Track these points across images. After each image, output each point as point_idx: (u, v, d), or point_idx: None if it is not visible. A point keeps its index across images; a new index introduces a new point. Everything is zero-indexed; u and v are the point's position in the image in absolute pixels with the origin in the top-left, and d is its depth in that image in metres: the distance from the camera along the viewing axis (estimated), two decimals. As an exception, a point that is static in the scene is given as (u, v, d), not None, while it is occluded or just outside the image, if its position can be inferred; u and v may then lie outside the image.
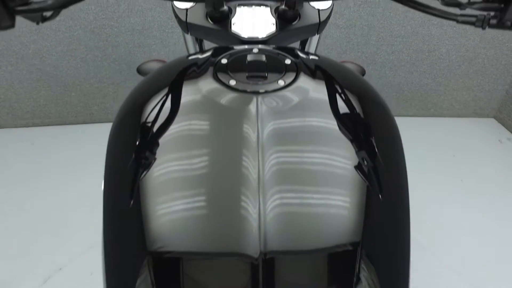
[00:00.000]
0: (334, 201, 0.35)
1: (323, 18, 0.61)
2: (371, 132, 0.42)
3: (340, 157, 0.38)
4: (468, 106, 1.93)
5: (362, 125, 0.43)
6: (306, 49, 0.74)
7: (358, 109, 0.44)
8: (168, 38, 1.61)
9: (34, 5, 0.36)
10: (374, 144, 0.41)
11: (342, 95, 0.45)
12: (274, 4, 0.61)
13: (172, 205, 0.35)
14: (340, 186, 0.36)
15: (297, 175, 0.36)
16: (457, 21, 0.41)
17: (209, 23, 0.59)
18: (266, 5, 0.61)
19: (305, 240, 0.33)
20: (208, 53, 0.50)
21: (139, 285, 0.33)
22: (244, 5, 0.60)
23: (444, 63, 1.77)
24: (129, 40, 1.61)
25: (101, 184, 0.43)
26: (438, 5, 0.42)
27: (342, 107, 0.43)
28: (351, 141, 0.39)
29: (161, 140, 0.39)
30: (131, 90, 0.50)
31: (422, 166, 1.59)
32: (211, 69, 0.45)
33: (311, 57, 0.51)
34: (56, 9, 0.39)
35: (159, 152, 0.38)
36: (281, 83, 0.43)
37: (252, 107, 0.39)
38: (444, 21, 1.65)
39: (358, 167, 0.38)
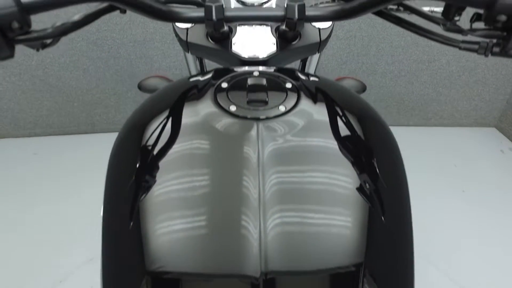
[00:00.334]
0: (336, 222, 0.35)
1: (324, 37, 0.61)
2: (372, 154, 0.42)
3: (341, 179, 0.38)
4: (469, 115, 1.93)
5: (364, 148, 0.43)
6: (306, 67, 0.75)
7: (359, 131, 0.44)
8: (169, 50, 1.63)
9: (34, 33, 0.36)
10: (376, 166, 0.41)
11: (343, 118, 0.45)
12: (275, 24, 0.61)
13: (172, 225, 0.35)
14: (342, 208, 0.36)
15: (298, 195, 0.36)
16: (460, 48, 0.41)
17: (210, 43, 0.60)
18: (267, 25, 0.61)
19: (307, 260, 0.33)
20: (209, 75, 0.50)
21: None
22: (244, 24, 0.61)
23: (444, 73, 1.77)
24: (131, 51, 1.62)
25: (101, 206, 0.43)
26: (440, 31, 0.42)
27: (344, 130, 0.43)
28: (353, 163, 0.39)
29: (161, 163, 0.39)
30: (132, 111, 0.50)
31: (424, 176, 1.59)
32: (211, 93, 0.45)
33: (311, 78, 0.51)
34: (56, 37, 0.39)
35: (159, 174, 0.38)
36: (282, 108, 0.42)
37: (253, 134, 0.39)
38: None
39: (360, 190, 0.38)
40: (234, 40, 0.59)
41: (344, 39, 1.64)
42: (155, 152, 0.41)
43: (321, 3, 0.59)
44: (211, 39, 0.60)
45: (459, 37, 0.41)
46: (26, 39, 0.35)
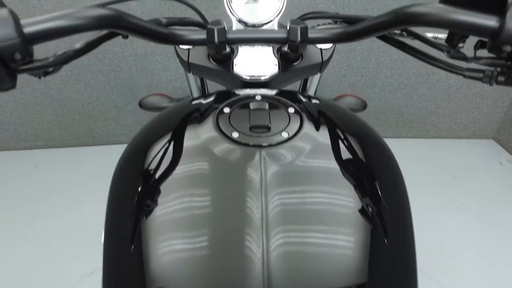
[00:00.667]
0: (339, 243, 0.35)
1: (325, 57, 0.61)
2: (374, 176, 0.43)
3: (344, 202, 0.38)
4: (468, 127, 1.94)
5: (366, 171, 0.43)
6: (308, 86, 0.75)
7: (361, 155, 0.44)
8: (170, 63, 1.64)
9: (36, 63, 0.36)
10: (378, 188, 0.41)
11: (345, 142, 0.45)
12: (277, 44, 0.61)
13: (174, 248, 0.35)
14: (345, 229, 0.36)
15: (301, 218, 0.36)
16: (464, 76, 0.40)
17: (211, 64, 0.60)
18: (269, 45, 0.61)
19: (310, 281, 0.33)
20: (211, 98, 0.50)
21: None
22: (246, 45, 0.61)
23: (443, 86, 1.79)
24: (132, 65, 1.63)
25: (101, 223, 0.43)
26: (444, 58, 0.42)
27: (346, 154, 0.43)
28: (355, 187, 0.39)
29: (164, 187, 0.39)
30: (134, 135, 0.50)
31: (422, 188, 1.58)
32: (213, 118, 0.45)
33: (313, 101, 0.51)
34: (58, 66, 0.39)
35: (161, 198, 0.38)
36: (284, 135, 0.42)
37: (256, 161, 0.39)
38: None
39: (363, 212, 0.38)
40: (235, 61, 0.59)
41: (343, 52, 1.65)
42: (157, 176, 0.41)
43: (323, 24, 0.60)
44: (212, 60, 0.60)
45: (463, 64, 0.41)
46: (28, 68, 0.35)
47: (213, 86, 0.72)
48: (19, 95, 1.66)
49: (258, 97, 0.49)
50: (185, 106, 0.52)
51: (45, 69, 0.38)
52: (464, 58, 0.39)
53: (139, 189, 0.40)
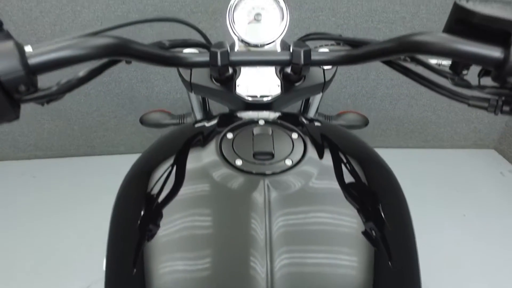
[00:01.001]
0: (343, 265, 0.35)
1: (328, 77, 0.61)
2: (378, 200, 0.43)
3: (348, 225, 0.38)
4: (468, 137, 1.94)
5: (369, 195, 0.43)
6: (310, 103, 0.75)
7: (364, 179, 0.44)
8: (171, 75, 1.64)
9: (40, 92, 0.35)
10: (382, 212, 0.41)
11: (348, 166, 0.45)
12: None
13: (176, 271, 0.35)
14: (349, 252, 0.36)
15: (306, 242, 0.36)
16: (468, 105, 0.40)
17: (214, 84, 0.60)
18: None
19: None
20: (214, 121, 0.50)
21: None
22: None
23: (443, 97, 1.78)
24: (132, 75, 1.63)
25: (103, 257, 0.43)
26: (448, 85, 0.41)
27: (349, 178, 0.43)
28: (359, 211, 0.39)
29: (165, 212, 0.39)
30: (137, 158, 0.50)
31: (423, 199, 1.58)
32: (217, 144, 0.45)
33: (315, 124, 0.51)
34: (61, 94, 0.38)
35: (163, 223, 0.38)
36: (288, 162, 0.42)
37: (259, 190, 0.39)
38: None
39: (367, 235, 0.38)
40: (238, 81, 0.59)
41: (343, 63, 1.65)
42: (160, 200, 0.40)
43: (326, 45, 0.60)
44: (215, 80, 0.60)
45: (468, 91, 0.40)
46: (32, 98, 0.35)
47: (216, 103, 0.72)
48: (19, 106, 1.65)
49: (261, 122, 0.49)
50: (188, 129, 0.51)
51: (49, 98, 0.38)
52: (468, 86, 0.39)
53: (142, 212, 0.40)
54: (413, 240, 0.42)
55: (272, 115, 0.51)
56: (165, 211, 0.39)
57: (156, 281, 0.35)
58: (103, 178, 1.67)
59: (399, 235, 0.41)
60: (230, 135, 0.46)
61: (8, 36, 0.38)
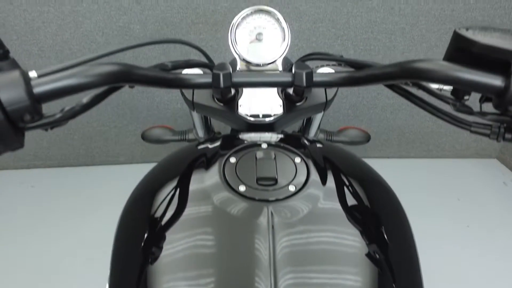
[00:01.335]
0: (347, 285, 0.35)
1: (329, 97, 0.61)
2: (380, 222, 0.43)
3: (351, 248, 0.38)
4: (470, 147, 1.93)
5: (372, 217, 0.43)
6: (311, 120, 0.75)
7: (366, 201, 0.44)
8: (172, 85, 1.64)
9: (44, 119, 0.35)
10: (384, 234, 0.41)
11: (350, 188, 0.45)
12: None
13: None
14: (353, 273, 0.36)
15: (310, 264, 0.36)
16: (471, 131, 0.40)
17: (216, 104, 0.59)
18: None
19: None
20: (217, 143, 0.50)
21: None
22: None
23: (445, 106, 1.78)
24: (133, 85, 1.63)
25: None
26: (450, 110, 0.41)
27: (351, 201, 0.43)
28: (362, 232, 0.40)
29: (168, 236, 0.39)
30: (140, 180, 0.50)
31: (426, 210, 1.57)
32: (220, 168, 0.45)
33: (317, 145, 0.52)
34: (65, 121, 0.39)
35: (166, 246, 0.38)
36: (291, 188, 0.42)
37: (263, 217, 0.39)
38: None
39: (370, 257, 0.38)
40: (240, 101, 0.59)
41: (344, 74, 1.65)
42: (164, 224, 0.41)
43: (327, 64, 0.59)
44: (217, 100, 0.60)
45: (470, 117, 0.40)
46: (36, 126, 0.35)
47: (218, 121, 0.71)
48: (19, 116, 1.65)
49: (264, 145, 0.48)
50: (191, 151, 0.52)
51: (52, 125, 0.38)
52: (470, 112, 0.38)
53: (146, 235, 0.40)
54: (417, 260, 0.43)
55: (274, 137, 0.51)
56: (169, 234, 0.39)
57: None
58: (102, 188, 1.67)
59: (402, 255, 0.42)
60: (233, 159, 0.46)
61: (14, 64, 0.38)
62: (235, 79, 0.46)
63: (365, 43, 1.57)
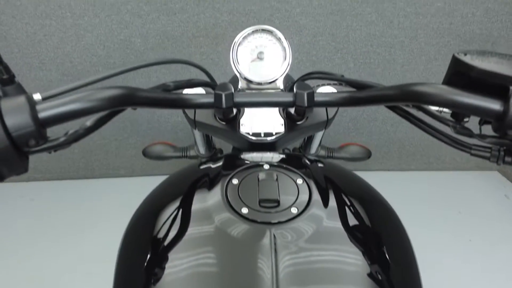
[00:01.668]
0: None
1: (330, 115, 0.62)
2: (382, 242, 0.44)
3: (354, 269, 0.38)
4: (471, 159, 1.92)
5: (374, 237, 0.44)
6: (312, 138, 0.75)
7: (368, 221, 0.45)
8: (172, 97, 1.64)
9: (48, 143, 0.36)
10: (387, 255, 0.41)
11: (351, 208, 0.46)
12: None
13: None
14: None
15: (313, 285, 0.36)
16: (471, 154, 0.40)
17: (217, 123, 0.60)
18: None
19: None
20: (219, 163, 0.51)
21: None
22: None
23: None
24: (134, 98, 1.63)
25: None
26: (450, 132, 0.42)
27: (353, 221, 0.44)
28: (364, 253, 0.40)
29: (171, 257, 0.39)
30: (143, 199, 0.50)
31: (427, 223, 1.55)
32: (222, 190, 0.45)
33: (319, 165, 0.52)
34: (69, 144, 0.39)
35: (169, 267, 0.38)
36: (294, 211, 0.42)
37: (266, 240, 0.39)
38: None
39: (373, 277, 0.38)
40: (242, 120, 0.59)
41: (344, 86, 1.66)
42: (166, 245, 0.41)
43: (328, 83, 0.60)
44: (219, 119, 0.60)
45: (470, 139, 0.40)
46: (40, 149, 0.35)
47: (218, 140, 0.71)
48: (19, 128, 1.65)
49: (266, 166, 0.48)
50: (194, 171, 0.52)
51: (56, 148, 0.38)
52: (470, 135, 0.39)
53: (148, 256, 0.41)
54: (419, 280, 0.43)
55: (276, 157, 0.51)
56: (172, 256, 0.39)
57: None
58: (103, 202, 1.65)
59: (404, 275, 0.42)
60: (235, 181, 0.46)
61: (19, 88, 0.39)
62: (237, 99, 0.47)
63: (365, 56, 1.58)
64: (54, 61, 1.52)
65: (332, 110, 0.62)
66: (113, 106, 0.37)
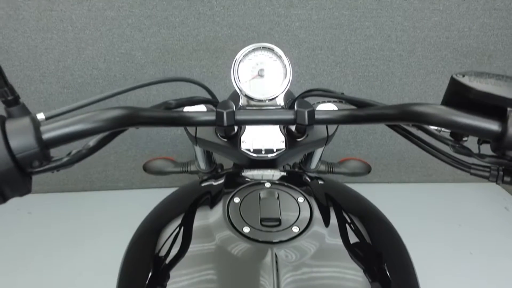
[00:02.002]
0: None
1: (331, 132, 0.62)
2: (383, 260, 0.44)
3: (356, 285, 0.39)
4: (470, 171, 1.93)
5: (375, 255, 0.44)
6: (312, 154, 0.75)
7: (369, 239, 0.45)
8: (172, 110, 1.64)
9: (51, 164, 0.36)
10: (387, 272, 0.42)
11: (352, 226, 0.46)
12: None
13: None
14: None
15: None
16: (470, 173, 0.40)
17: (219, 140, 0.60)
18: None
19: None
20: (221, 181, 0.51)
21: None
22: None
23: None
24: (134, 111, 1.63)
25: None
26: (449, 151, 0.42)
27: (354, 239, 0.44)
28: (365, 271, 0.40)
29: (173, 275, 0.39)
30: (144, 217, 0.50)
31: (427, 236, 1.55)
32: (224, 209, 0.45)
33: (319, 182, 0.52)
34: (71, 164, 0.39)
35: (170, 285, 0.38)
36: (295, 229, 0.42)
37: (267, 259, 0.39)
38: (442, 91, 1.70)
39: None
40: (243, 138, 0.59)
41: (343, 99, 1.67)
42: (168, 264, 0.41)
43: (328, 101, 0.60)
44: (220, 136, 0.60)
45: (469, 158, 0.40)
46: (43, 170, 0.35)
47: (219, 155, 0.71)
48: (18, 141, 1.65)
49: (267, 184, 0.48)
50: (195, 189, 0.52)
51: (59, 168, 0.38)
52: (469, 154, 0.39)
53: (150, 274, 0.41)
54: None
55: (277, 175, 0.51)
56: (173, 274, 0.40)
57: None
58: (101, 214, 1.64)
59: None
60: (237, 199, 0.46)
61: (24, 110, 0.39)
62: (238, 117, 0.47)
63: (364, 70, 1.59)
64: (54, 74, 1.53)
65: (332, 127, 0.62)
66: (117, 127, 0.38)
